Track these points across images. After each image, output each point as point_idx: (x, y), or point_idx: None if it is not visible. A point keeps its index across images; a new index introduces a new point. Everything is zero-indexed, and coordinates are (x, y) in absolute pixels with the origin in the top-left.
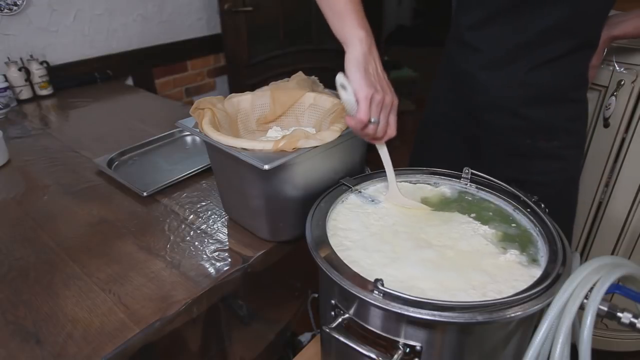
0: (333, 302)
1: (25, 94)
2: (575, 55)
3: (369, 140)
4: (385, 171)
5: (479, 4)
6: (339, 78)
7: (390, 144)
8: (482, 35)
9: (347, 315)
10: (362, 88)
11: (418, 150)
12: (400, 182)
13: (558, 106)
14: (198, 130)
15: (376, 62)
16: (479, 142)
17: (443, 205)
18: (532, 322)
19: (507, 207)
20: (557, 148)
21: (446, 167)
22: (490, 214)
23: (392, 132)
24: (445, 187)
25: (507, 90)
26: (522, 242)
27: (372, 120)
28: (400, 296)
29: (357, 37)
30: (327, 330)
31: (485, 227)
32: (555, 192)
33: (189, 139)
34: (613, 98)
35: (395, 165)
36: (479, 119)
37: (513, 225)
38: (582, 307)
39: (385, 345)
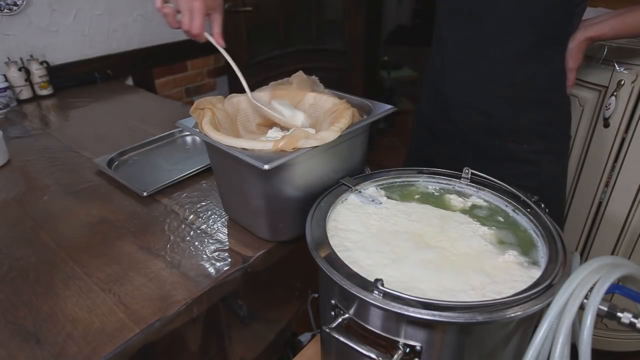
0: (333, 302)
1: (25, 94)
2: (541, 52)
3: (188, 35)
4: (384, 171)
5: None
6: None
7: (390, 144)
8: (450, 31)
9: (347, 315)
10: None
11: (410, 151)
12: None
13: (528, 108)
14: (198, 130)
15: None
16: (453, 141)
17: (437, 200)
18: (532, 322)
19: (507, 207)
20: (527, 152)
21: (429, 167)
22: (490, 214)
23: (195, 29)
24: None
25: (474, 87)
26: (521, 242)
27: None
28: (400, 296)
29: None
30: (327, 330)
31: (485, 228)
32: None
33: (189, 139)
34: (613, 98)
35: (396, 165)
36: (451, 117)
37: (512, 225)
38: (582, 307)
39: (385, 345)
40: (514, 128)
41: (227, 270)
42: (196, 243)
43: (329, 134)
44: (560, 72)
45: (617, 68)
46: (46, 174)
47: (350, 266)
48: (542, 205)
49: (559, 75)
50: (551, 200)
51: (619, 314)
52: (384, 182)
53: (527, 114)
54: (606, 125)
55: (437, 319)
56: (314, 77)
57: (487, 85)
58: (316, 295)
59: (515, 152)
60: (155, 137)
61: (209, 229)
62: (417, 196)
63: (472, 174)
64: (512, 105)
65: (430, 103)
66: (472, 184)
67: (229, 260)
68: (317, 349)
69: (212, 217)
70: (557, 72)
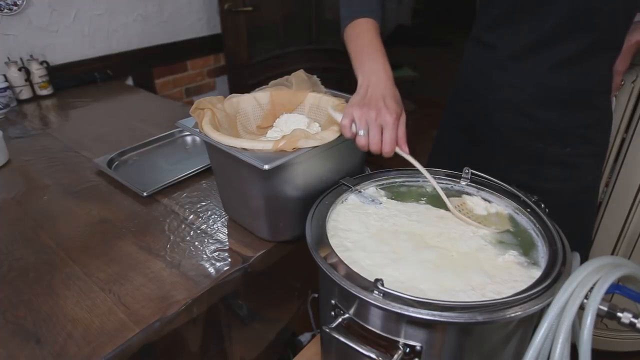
0: (333, 302)
1: (25, 94)
2: (593, 56)
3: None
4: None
5: (496, 2)
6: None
7: None
8: (498, 34)
9: (347, 315)
10: (347, 108)
11: (435, 151)
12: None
13: (574, 111)
14: (198, 130)
15: (376, 88)
16: (491, 143)
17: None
18: (532, 322)
19: (507, 207)
20: (570, 155)
21: (459, 168)
22: (491, 215)
23: (386, 148)
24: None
25: (520, 90)
26: (521, 242)
27: (360, 132)
28: (400, 296)
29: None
30: (327, 330)
31: (485, 228)
32: (566, 202)
33: (189, 139)
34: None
35: (396, 165)
36: (491, 119)
37: (512, 225)
38: (582, 307)
39: (385, 345)
40: (559, 131)
41: (227, 270)
42: (196, 243)
43: (329, 134)
44: (609, 75)
45: None
46: (46, 174)
47: (350, 266)
48: (542, 205)
49: (607, 78)
50: (587, 204)
51: (619, 314)
52: (384, 182)
53: (573, 116)
54: None
55: (437, 319)
56: (314, 77)
57: (534, 87)
58: (316, 295)
59: (557, 155)
60: (155, 137)
61: (209, 229)
62: (417, 196)
63: (472, 174)
64: (559, 108)
65: (465, 105)
66: (472, 184)
67: (229, 260)
68: (317, 349)
69: (212, 217)
70: (606, 75)
